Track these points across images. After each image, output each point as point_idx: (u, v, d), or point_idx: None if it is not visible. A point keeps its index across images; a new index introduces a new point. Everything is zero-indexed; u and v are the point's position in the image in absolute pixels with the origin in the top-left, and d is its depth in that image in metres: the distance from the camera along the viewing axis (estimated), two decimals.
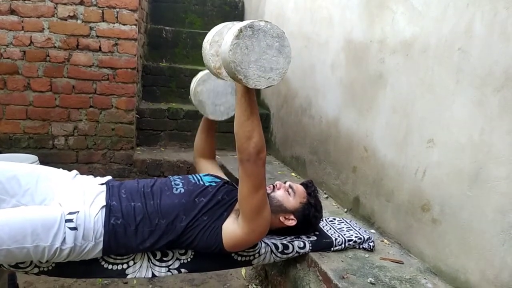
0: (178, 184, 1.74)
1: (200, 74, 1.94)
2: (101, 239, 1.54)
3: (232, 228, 1.62)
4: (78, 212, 1.53)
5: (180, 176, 1.84)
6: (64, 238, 1.48)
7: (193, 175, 1.86)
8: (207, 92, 1.92)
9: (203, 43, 1.61)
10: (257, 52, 1.32)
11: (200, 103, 1.93)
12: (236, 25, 1.35)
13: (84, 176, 1.81)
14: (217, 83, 1.92)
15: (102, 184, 1.73)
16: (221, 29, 1.52)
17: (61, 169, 1.81)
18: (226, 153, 3.62)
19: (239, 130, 1.49)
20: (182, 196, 1.67)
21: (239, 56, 1.29)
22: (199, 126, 2.11)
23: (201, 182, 1.77)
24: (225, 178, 1.99)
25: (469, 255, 1.55)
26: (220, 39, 1.49)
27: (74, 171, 1.81)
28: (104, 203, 1.60)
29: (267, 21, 1.32)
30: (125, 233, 1.56)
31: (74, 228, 1.49)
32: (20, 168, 1.71)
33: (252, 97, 1.46)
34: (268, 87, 1.37)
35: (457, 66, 1.62)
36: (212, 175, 1.88)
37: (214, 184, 1.76)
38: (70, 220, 1.50)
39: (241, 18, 4.82)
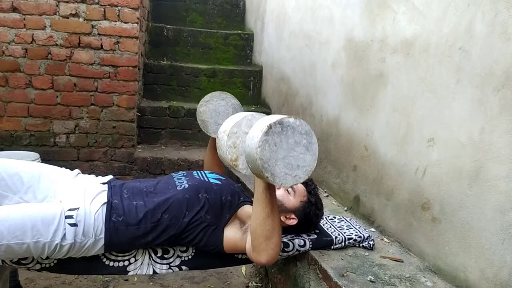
0: (183, 181, 1.75)
1: (204, 97, 2.05)
2: (101, 236, 1.55)
3: (233, 236, 1.64)
4: (78, 208, 1.54)
5: (184, 173, 1.85)
6: (64, 234, 1.49)
7: (198, 171, 1.87)
8: (209, 112, 2.02)
9: (219, 132, 1.62)
10: (285, 149, 1.31)
11: (203, 123, 2.02)
12: (263, 121, 1.34)
13: (86, 175, 1.82)
14: (219, 104, 2.02)
15: (103, 183, 1.74)
16: (240, 121, 1.51)
17: (63, 168, 1.82)
18: None
19: (257, 228, 1.45)
20: (186, 191, 1.68)
21: (267, 153, 1.28)
22: (207, 147, 2.16)
23: (206, 179, 1.78)
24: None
25: (468, 253, 1.56)
26: (238, 131, 1.49)
27: (76, 170, 1.82)
28: (105, 200, 1.61)
29: (296, 118, 1.32)
30: (127, 230, 1.57)
31: (74, 225, 1.51)
32: (23, 165, 1.73)
33: (273, 193, 1.43)
34: (293, 185, 1.36)
35: (457, 66, 1.63)
36: (217, 173, 1.88)
37: (219, 182, 1.77)
38: (70, 217, 1.51)
39: (242, 16, 4.82)
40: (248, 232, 1.59)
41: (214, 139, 2.04)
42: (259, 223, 1.44)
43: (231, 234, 1.64)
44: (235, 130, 1.50)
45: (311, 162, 1.36)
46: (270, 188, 1.41)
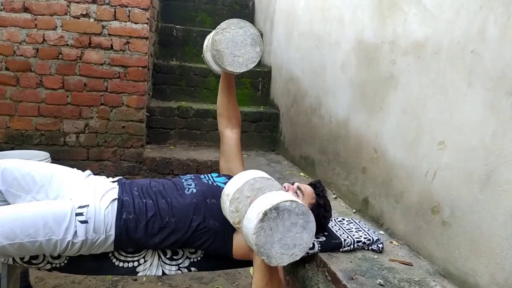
0: (190, 184, 1.75)
1: (220, 25, 1.87)
2: (111, 232, 1.56)
3: (244, 247, 1.63)
4: (88, 205, 1.56)
5: (192, 176, 1.84)
6: (76, 231, 1.51)
7: (205, 175, 1.87)
8: (225, 41, 1.83)
9: (222, 195, 1.56)
10: (281, 232, 1.30)
11: (218, 53, 1.83)
12: (261, 203, 1.33)
13: (97, 176, 1.84)
14: (237, 33, 1.84)
15: (113, 181, 1.76)
16: (242, 187, 1.49)
17: (75, 169, 1.84)
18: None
19: None
20: (194, 196, 1.68)
21: (262, 239, 1.28)
22: (219, 89, 2.02)
23: (213, 183, 1.78)
24: (240, 170, 1.97)
25: (479, 258, 1.54)
26: (240, 196, 1.47)
27: (88, 171, 1.83)
28: (115, 197, 1.62)
29: (293, 200, 1.31)
30: (136, 229, 1.58)
31: (85, 222, 1.52)
32: (35, 165, 1.75)
33: None
34: (290, 262, 1.35)
35: (469, 68, 1.61)
36: (224, 175, 1.88)
37: (225, 185, 1.77)
38: (81, 214, 1.53)
39: (251, 17, 4.83)
40: None
41: (225, 75, 1.94)
42: None
43: (241, 243, 1.63)
44: (237, 196, 1.48)
45: (308, 239, 1.34)
46: None
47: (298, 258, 1.35)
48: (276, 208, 1.29)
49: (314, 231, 1.35)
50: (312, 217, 1.34)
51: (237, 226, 1.50)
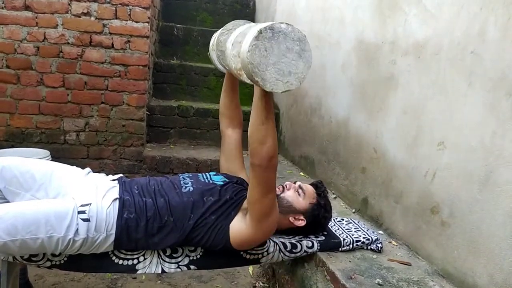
0: (188, 183, 1.75)
1: (226, 25, 1.88)
2: (112, 231, 1.57)
3: (239, 227, 1.64)
4: (90, 204, 1.56)
5: (190, 175, 1.85)
6: (77, 229, 1.51)
7: (203, 173, 1.87)
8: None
9: (227, 43, 1.54)
10: (276, 55, 1.28)
11: (222, 54, 1.84)
12: (257, 26, 1.32)
13: (97, 174, 1.84)
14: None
15: (114, 180, 1.76)
16: (245, 30, 1.47)
17: (74, 166, 1.84)
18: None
19: (253, 133, 1.48)
20: (191, 194, 1.68)
21: (257, 58, 1.26)
22: (222, 88, 2.05)
23: (210, 181, 1.79)
24: (240, 169, 1.99)
25: (477, 258, 1.55)
26: (243, 40, 1.43)
27: (87, 169, 1.84)
28: (116, 196, 1.63)
29: (288, 24, 1.29)
30: (137, 228, 1.59)
31: (87, 220, 1.53)
32: (35, 163, 1.75)
33: (269, 101, 1.43)
34: (286, 91, 1.33)
35: (469, 69, 1.62)
36: (222, 174, 1.89)
37: (222, 183, 1.77)
38: (83, 212, 1.53)
39: (252, 16, 4.83)
40: None
41: (229, 75, 1.96)
42: (255, 128, 1.46)
43: (236, 226, 1.64)
44: (240, 40, 1.43)
45: (304, 69, 1.32)
46: (266, 96, 1.41)
47: (293, 87, 1.33)
48: (271, 28, 1.26)
49: (311, 62, 1.32)
50: (308, 46, 1.31)
51: (238, 72, 1.47)
